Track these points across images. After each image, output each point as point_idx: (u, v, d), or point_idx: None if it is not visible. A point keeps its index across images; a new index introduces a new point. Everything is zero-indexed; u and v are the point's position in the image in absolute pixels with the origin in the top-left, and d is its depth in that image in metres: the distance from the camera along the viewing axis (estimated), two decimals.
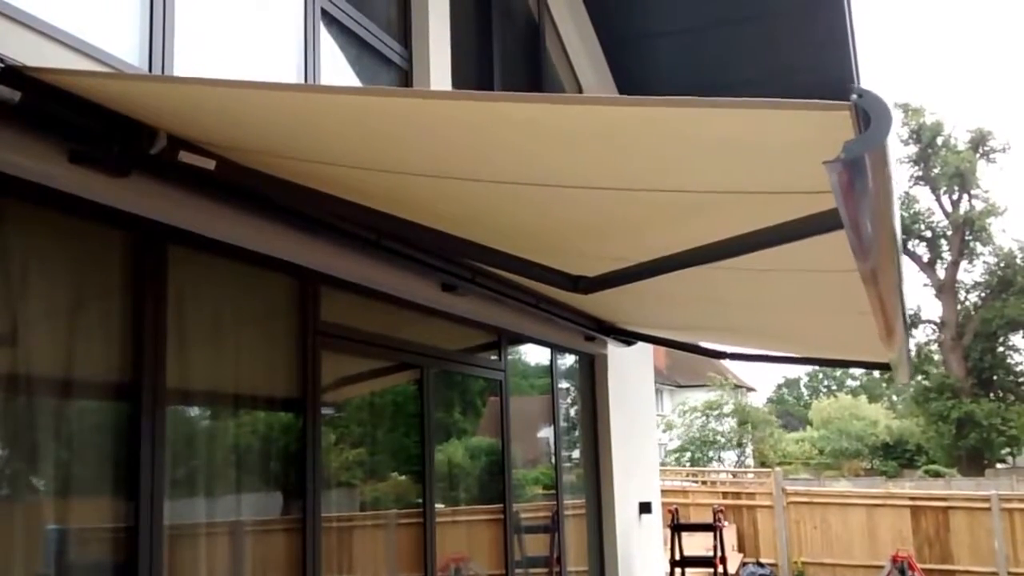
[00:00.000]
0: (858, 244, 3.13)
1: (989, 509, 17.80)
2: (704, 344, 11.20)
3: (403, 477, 6.65)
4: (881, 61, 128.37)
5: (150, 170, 3.94)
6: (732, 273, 4.98)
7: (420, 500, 6.54)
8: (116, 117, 3.52)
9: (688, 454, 44.81)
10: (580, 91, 10.59)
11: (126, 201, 3.99)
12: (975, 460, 44.88)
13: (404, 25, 6.82)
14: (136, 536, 4.05)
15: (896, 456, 49.24)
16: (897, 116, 48.94)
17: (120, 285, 4.20)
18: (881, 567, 17.27)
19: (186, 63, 4.61)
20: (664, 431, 45.85)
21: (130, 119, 3.57)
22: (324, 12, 5.81)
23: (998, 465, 47.06)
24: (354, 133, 3.52)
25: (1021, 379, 46.40)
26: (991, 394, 45.43)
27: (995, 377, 45.63)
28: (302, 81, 5.55)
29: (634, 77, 11.10)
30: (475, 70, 8.24)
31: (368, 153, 3.79)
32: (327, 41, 5.87)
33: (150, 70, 4.37)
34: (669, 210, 4.01)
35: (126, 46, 4.30)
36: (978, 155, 46.80)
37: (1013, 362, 46.49)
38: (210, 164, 3.79)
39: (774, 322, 7.74)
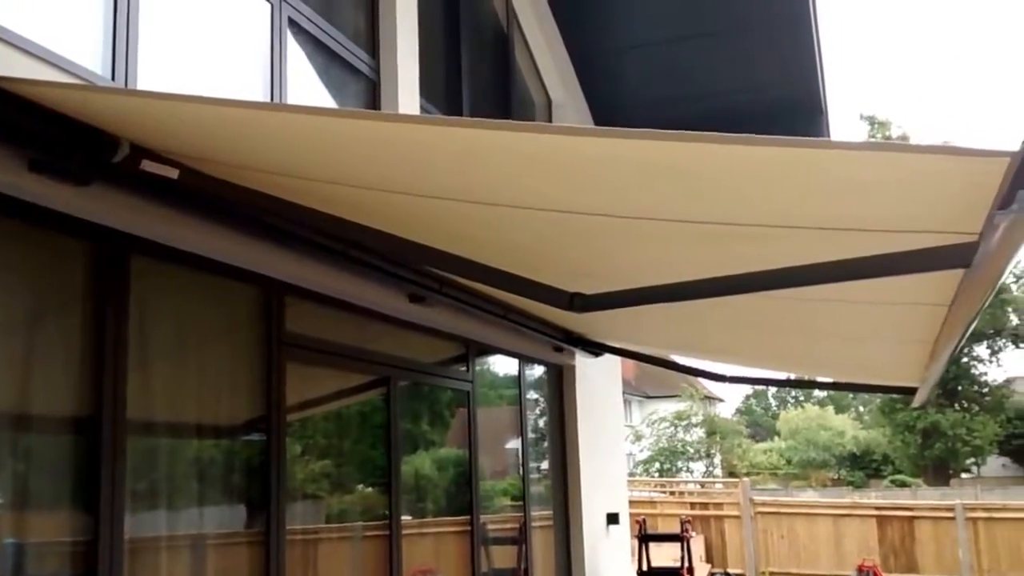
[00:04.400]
0: (977, 283, 3.25)
1: (953, 518, 17.96)
2: (678, 359, 11.23)
3: (369, 489, 6.60)
4: (848, 74, 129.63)
5: (112, 179, 3.90)
6: (760, 301, 4.98)
7: (386, 512, 6.50)
8: (78, 126, 3.48)
9: (657, 465, 44.88)
10: (549, 103, 10.61)
11: (88, 210, 3.96)
12: (941, 470, 45.26)
13: (372, 36, 6.80)
14: (95, 550, 3.99)
15: (863, 466, 49.57)
16: (864, 129, 49.35)
17: (81, 294, 4.15)
18: None
19: (151, 70, 4.57)
20: (633, 442, 45.91)
21: (92, 128, 3.53)
22: (292, 21, 5.79)
23: (963, 475, 47.52)
24: (323, 149, 3.49)
25: (985, 390, 46.84)
26: (956, 404, 45.83)
27: (960, 388, 46.04)
28: (268, 89, 5.52)
29: (603, 90, 11.14)
30: (444, 81, 8.23)
31: (339, 169, 3.77)
32: (294, 50, 5.84)
33: (113, 78, 4.33)
34: (715, 239, 3.96)
35: (89, 54, 4.26)
36: None
37: (977, 373, 46.94)
38: (173, 173, 3.75)
39: (792, 347, 7.78)
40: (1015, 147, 2.26)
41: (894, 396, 45.36)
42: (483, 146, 3.10)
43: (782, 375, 12.41)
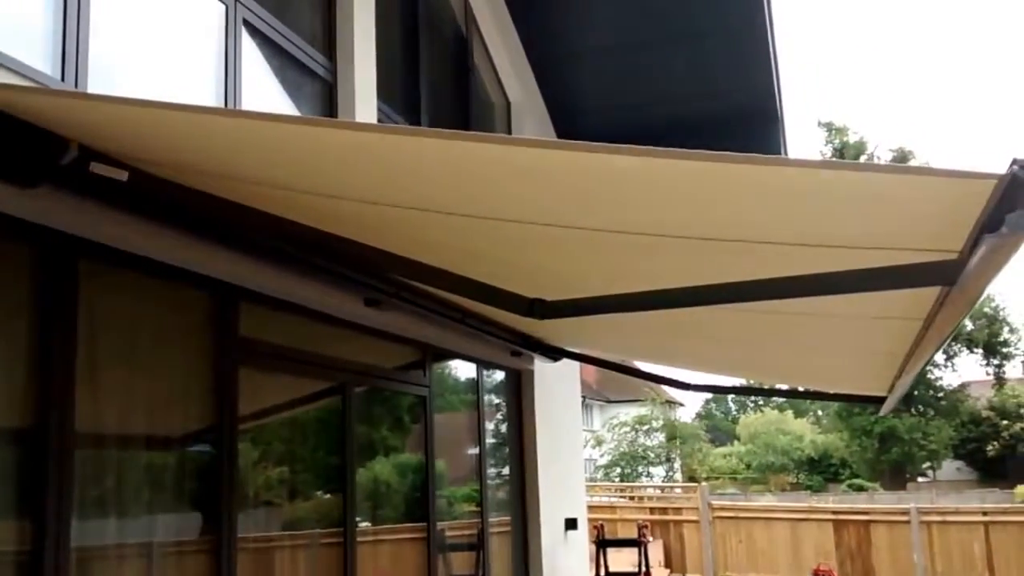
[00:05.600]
0: (958, 300, 3.31)
1: (908, 522, 18.13)
2: (640, 365, 11.24)
3: (324, 496, 6.54)
4: (804, 81, 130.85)
5: (61, 181, 3.83)
6: (732, 311, 4.98)
7: (341, 519, 6.44)
8: (25, 126, 3.41)
9: (618, 469, 44.99)
10: (508, 105, 10.60)
11: (36, 213, 3.89)
12: (897, 474, 45.76)
13: (329, 38, 6.75)
14: (41, 559, 3.92)
15: (821, 470, 50.00)
16: (821, 135, 49.82)
17: (28, 299, 4.07)
18: None
19: (103, 71, 4.50)
20: (594, 446, 46.00)
21: (40, 129, 3.46)
22: (246, 22, 5.73)
23: (919, 479, 48.08)
24: (277, 155, 3.46)
25: (941, 394, 47.39)
26: (912, 409, 46.32)
27: (916, 392, 46.54)
28: (222, 90, 5.46)
29: (562, 93, 11.15)
30: (402, 83, 8.19)
31: (294, 175, 3.73)
32: (249, 51, 5.78)
33: (63, 79, 4.26)
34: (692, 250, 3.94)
35: (38, 54, 4.19)
36: None
37: (933, 377, 47.45)
38: (123, 175, 3.70)
39: (762, 356, 7.79)
40: (1001, 170, 2.30)
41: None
42: (442, 156, 3.08)
43: (747, 382, 12.49)
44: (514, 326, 8.20)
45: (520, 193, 3.43)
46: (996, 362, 46.97)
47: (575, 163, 2.95)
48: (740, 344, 7.14)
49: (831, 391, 11.18)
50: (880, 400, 9.12)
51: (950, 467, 49.33)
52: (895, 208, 2.93)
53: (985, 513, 18.33)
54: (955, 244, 3.02)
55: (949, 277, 3.17)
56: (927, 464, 47.95)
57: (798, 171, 2.85)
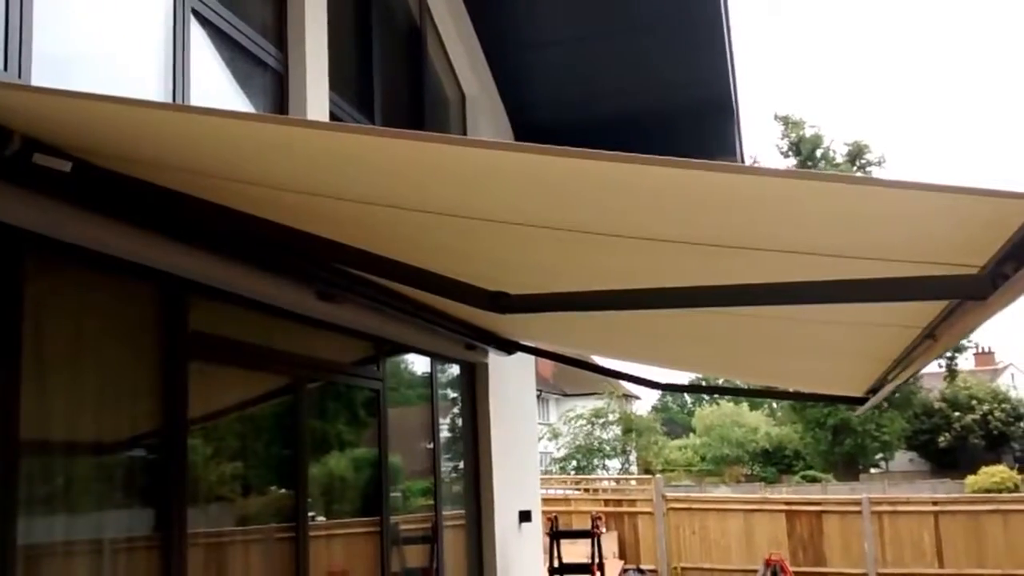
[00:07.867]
0: (976, 316, 3.35)
1: (860, 512, 18.39)
2: (600, 360, 11.28)
3: (276, 491, 6.50)
4: (761, 74, 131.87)
5: (5, 173, 3.77)
6: (723, 315, 4.95)
7: (294, 515, 6.40)
8: None
9: (574, 462, 45.18)
10: (462, 98, 10.58)
11: None
12: (850, 465, 46.34)
13: (280, 28, 6.70)
14: None
15: (775, 462, 50.54)
16: (777, 129, 50.29)
17: None
18: (756, 571, 17.72)
19: (46, 60, 4.43)
20: (550, 439, 46.13)
21: None
22: (195, 12, 5.66)
23: (872, 470, 48.76)
24: (229, 149, 3.42)
25: None
26: None
27: None
28: (171, 80, 5.39)
29: (517, 86, 11.14)
30: (355, 75, 8.15)
31: (243, 168, 3.70)
32: (198, 41, 5.71)
33: (5, 68, 4.18)
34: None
35: None
36: (855, 167, 48.29)
37: None
38: (66, 166, 3.66)
39: (741, 357, 7.79)
40: None
41: None
42: (398, 153, 3.07)
43: (714, 381, 12.60)
44: (469, 319, 8.19)
45: (481, 189, 3.42)
46: (948, 354, 47.67)
47: (534, 165, 2.93)
48: (717, 344, 7.13)
49: (807, 391, 11.24)
50: (858, 401, 9.18)
51: (903, 458, 50.06)
52: (912, 222, 2.91)
53: (935, 503, 18.65)
54: (974, 259, 3.01)
55: (977, 292, 3.15)
56: (880, 455, 48.62)
57: (836, 186, 2.81)
